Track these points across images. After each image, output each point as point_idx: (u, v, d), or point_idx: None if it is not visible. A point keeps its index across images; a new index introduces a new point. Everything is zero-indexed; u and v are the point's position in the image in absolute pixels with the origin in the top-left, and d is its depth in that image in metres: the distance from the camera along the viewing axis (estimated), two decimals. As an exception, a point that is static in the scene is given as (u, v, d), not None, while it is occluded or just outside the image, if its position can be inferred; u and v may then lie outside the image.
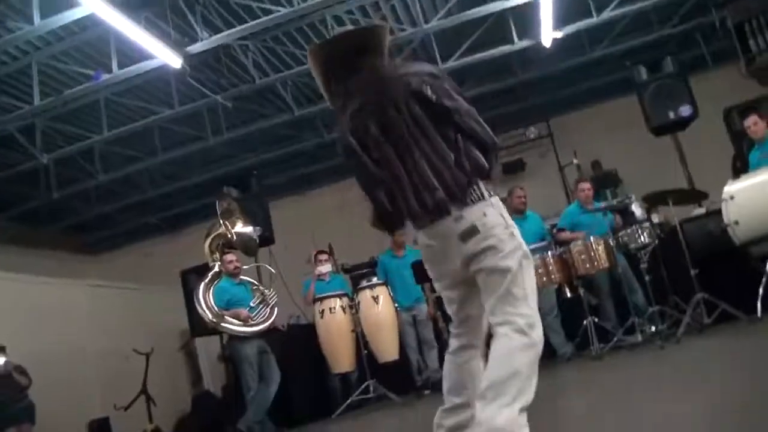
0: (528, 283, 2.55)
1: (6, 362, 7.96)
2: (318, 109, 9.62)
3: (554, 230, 7.22)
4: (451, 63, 9.00)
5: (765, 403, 2.75)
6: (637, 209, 6.20)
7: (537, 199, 10.38)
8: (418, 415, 5.75)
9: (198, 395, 10.42)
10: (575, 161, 9.50)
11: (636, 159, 9.72)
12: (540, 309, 2.58)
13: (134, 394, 8.46)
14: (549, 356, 6.78)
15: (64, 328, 9.69)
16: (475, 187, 2.56)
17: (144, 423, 8.33)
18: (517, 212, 7.00)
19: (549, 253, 6.32)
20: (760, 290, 5.25)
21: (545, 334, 2.64)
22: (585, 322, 6.04)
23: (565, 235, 6.87)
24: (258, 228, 7.34)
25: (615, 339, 5.95)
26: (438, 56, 8.88)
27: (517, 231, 2.62)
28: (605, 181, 9.92)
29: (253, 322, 6.77)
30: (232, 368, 7.49)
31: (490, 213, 2.55)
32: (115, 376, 9.82)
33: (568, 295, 6.38)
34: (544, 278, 6.24)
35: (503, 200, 2.73)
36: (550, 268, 6.24)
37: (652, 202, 6.34)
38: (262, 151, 10.88)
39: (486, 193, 2.57)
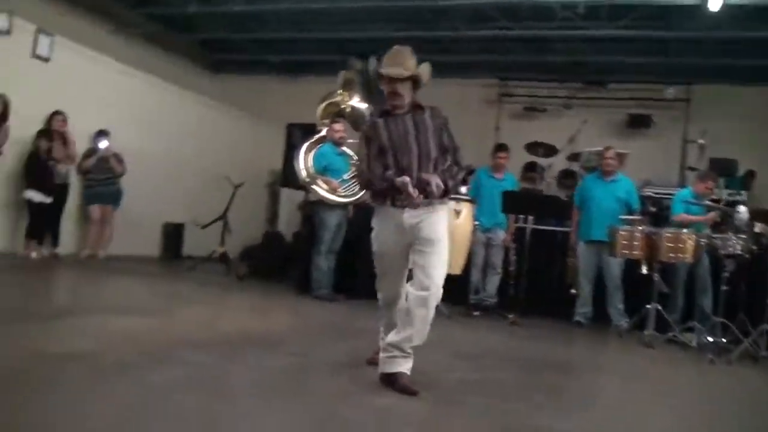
0: None
1: (108, 147, 8.67)
2: (460, 4, 9.53)
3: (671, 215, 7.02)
4: None
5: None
6: (742, 215, 6.06)
7: (648, 162, 10.23)
8: (461, 329, 6.09)
9: (270, 232, 11.00)
10: (701, 141, 9.16)
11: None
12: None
13: (214, 216, 9.01)
14: (603, 324, 6.97)
15: (169, 134, 10.32)
16: None
17: (213, 244, 8.93)
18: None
19: (640, 228, 6.31)
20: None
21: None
22: (649, 306, 6.11)
23: (681, 217, 6.71)
24: (371, 107, 7.51)
25: (671, 334, 6.02)
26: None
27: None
28: (721, 168, 9.58)
29: (341, 193, 7.11)
30: (308, 224, 7.88)
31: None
32: (201, 193, 10.50)
33: (643, 271, 6.39)
34: (624, 250, 6.31)
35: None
36: (635, 243, 6.26)
37: (762, 218, 6.18)
38: (394, 28, 10.88)
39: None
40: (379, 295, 3.75)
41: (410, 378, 3.41)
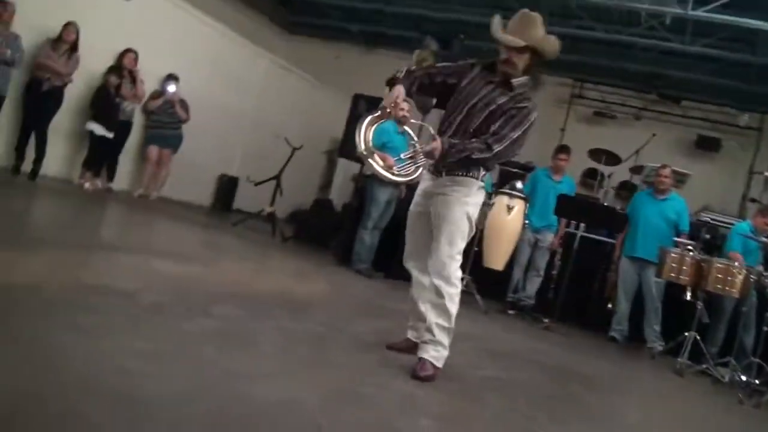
0: None
1: (175, 92, 8.80)
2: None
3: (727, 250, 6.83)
4: (701, 12, 8.55)
5: None
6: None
7: (710, 187, 9.97)
8: (494, 326, 6.06)
9: (321, 199, 11.07)
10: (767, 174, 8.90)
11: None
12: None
13: (269, 175, 9.09)
14: (638, 343, 6.86)
15: (236, 88, 10.44)
16: None
17: (264, 202, 8.98)
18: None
19: (691, 253, 6.16)
20: None
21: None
22: (687, 333, 5.98)
23: (735, 256, 6.49)
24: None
25: (705, 366, 5.87)
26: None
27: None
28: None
29: (396, 172, 7.09)
30: (359, 197, 7.91)
31: None
32: (259, 150, 10.62)
33: (687, 297, 6.25)
34: (672, 273, 6.17)
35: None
36: (684, 267, 6.11)
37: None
38: (476, 12, 10.74)
39: None
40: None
41: (433, 367, 3.32)
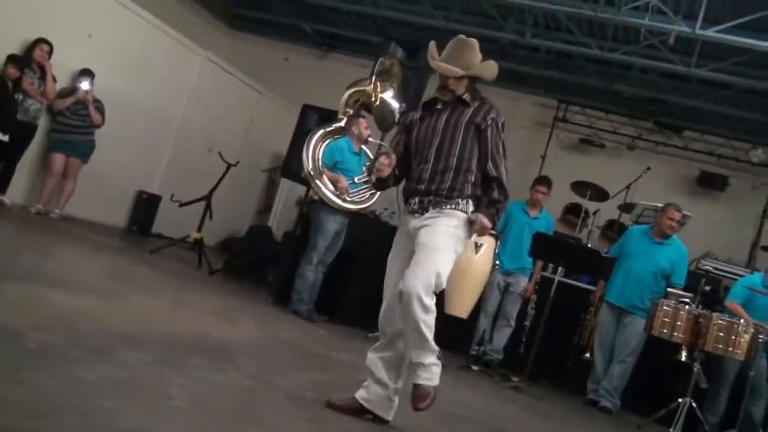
0: None
1: (89, 90, 8.65)
2: (533, 5, 9.57)
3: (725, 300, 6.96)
4: (712, 32, 8.83)
5: None
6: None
7: (714, 231, 10.17)
8: (453, 383, 5.99)
9: (258, 226, 11.02)
10: (780, 218, 9.14)
11: None
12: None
13: (197, 194, 8.95)
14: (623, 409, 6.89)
15: (162, 91, 10.32)
16: None
17: (190, 227, 8.82)
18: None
19: (687, 307, 6.23)
20: None
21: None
22: (681, 400, 6.02)
23: (734, 307, 6.66)
24: (403, 106, 7.48)
25: (703, 439, 5.93)
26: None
27: None
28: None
29: (347, 198, 7.08)
30: (303, 225, 7.88)
31: None
32: (187, 165, 10.53)
33: (682, 358, 6.31)
34: (663, 329, 6.23)
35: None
36: (679, 323, 6.18)
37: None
38: (448, 18, 10.90)
39: None
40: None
41: (431, 389, 3.51)
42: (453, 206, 3.62)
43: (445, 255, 3.52)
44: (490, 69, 3.81)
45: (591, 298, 7.61)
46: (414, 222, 3.67)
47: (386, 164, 3.84)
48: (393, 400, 3.72)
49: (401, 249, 3.73)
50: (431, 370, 3.52)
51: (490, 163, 3.68)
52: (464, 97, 3.75)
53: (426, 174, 3.67)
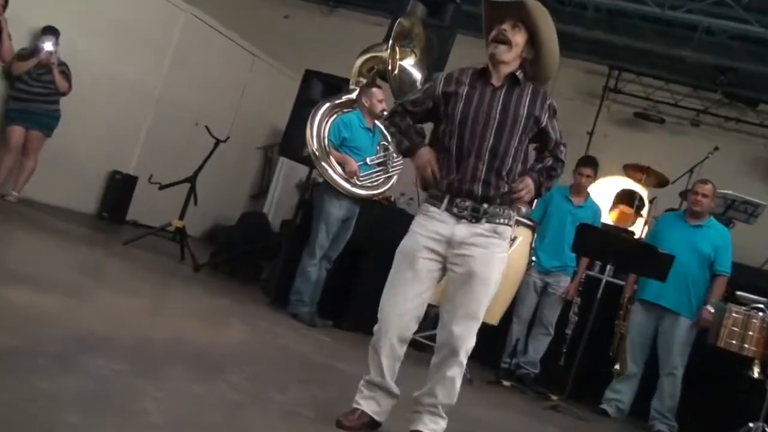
0: None
1: (53, 52, 8.62)
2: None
3: None
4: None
5: None
6: None
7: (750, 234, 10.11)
8: (481, 403, 6.01)
9: (251, 213, 11.03)
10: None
11: None
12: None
13: (180, 176, 8.97)
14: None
15: (141, 54, 10.31)
16: None
17: (171, 214, 8.84)
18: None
19: (761, 314, 6.19)
20: None
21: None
22: (751, 425, 6.00)
23: None
24: (425, 74, 7.48)
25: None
26: None
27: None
28: None
29: (357, 182, 7.07)
30: (305, 212, 7.87)
31: None
32: (169, 141, 10.55)
33: (754, 374, 6.28)
34: (731, 339, 6.20)
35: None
36: (750, 333, 6.15)
37: None
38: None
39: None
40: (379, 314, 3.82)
41: None
42: (506, 221, 3.69)
43: (493, 290, 3.67)
44: (554, 57, 3.88)
45: (621, 298, 7.52)
46: (460, 231, 3.63)
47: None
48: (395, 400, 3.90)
49: (427, 249, 3.67)
50: (439, 423, 3.78)
51: (559, 150, 3.82)
52: (517, 74, 3.73)
53: (480, 173, 3.63)
